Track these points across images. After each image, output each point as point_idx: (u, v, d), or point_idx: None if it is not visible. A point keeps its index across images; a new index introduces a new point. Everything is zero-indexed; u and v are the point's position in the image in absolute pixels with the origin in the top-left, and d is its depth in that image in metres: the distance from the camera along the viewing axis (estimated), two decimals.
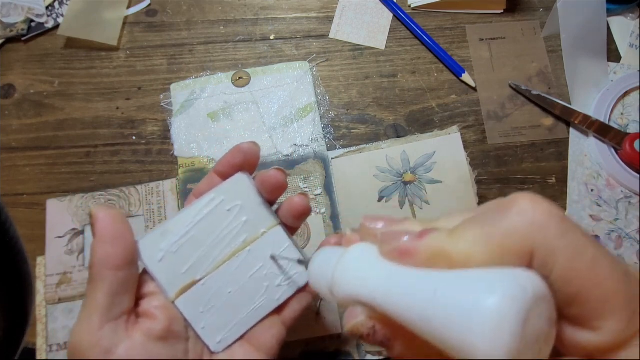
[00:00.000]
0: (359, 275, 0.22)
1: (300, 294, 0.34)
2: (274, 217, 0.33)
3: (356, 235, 0.25)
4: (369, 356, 0.45)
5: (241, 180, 0.32)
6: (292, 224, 0.34)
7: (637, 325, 0.18)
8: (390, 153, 0.48)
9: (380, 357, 0.45)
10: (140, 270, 0.30)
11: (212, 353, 0.31)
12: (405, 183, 0.48)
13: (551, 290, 0.18)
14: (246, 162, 0.33)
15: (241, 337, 0.32)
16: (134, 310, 0.29)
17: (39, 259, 0.47)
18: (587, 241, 0.19)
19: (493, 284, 0.17)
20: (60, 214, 0.48)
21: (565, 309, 0.19)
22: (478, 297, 0.17)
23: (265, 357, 0.32)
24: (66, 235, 0.47)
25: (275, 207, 0.34)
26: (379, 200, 0.47)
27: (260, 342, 0.33)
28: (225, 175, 0.32)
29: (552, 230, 0.18)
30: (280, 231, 0.33)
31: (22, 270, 0.46)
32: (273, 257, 0.32)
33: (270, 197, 0.33)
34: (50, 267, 0.46)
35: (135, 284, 0.29)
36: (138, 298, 0.30)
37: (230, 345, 0.31)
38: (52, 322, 0.45)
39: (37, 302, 0.46)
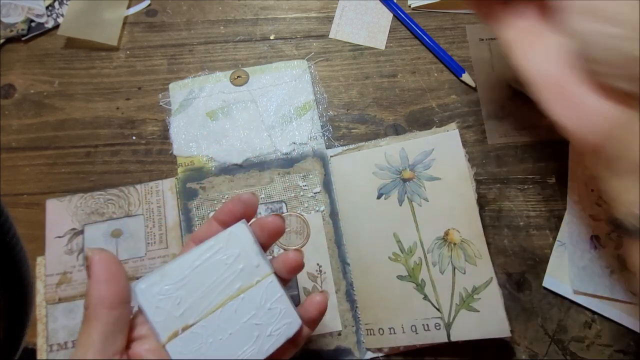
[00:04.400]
0: None
1: (287, 345, 0.34)
2: (268, 266, 0.34)
3: None
4: (369, 353, 0.45)
5: (240, 229, 0.33)
6: (285, 277, 0.35)
7: None
8: (389, 150, 0.49)
9: (380, 355, 0.45)
10: (134, 311, 0.32)
11: None
12: (404, 180, 0.48)
13: None
14: (246, 211, 0.35)
15: None
16: (126, 352, 0.30)
17: (39, 259, 0.47)
18: None
19: None
20: (60, 214, 0.48)
21: None
22: None
23: None
24: (66, 235, 0.47)
25: (269, 257, 0.35)
26: (378, 197, 0.47)
27: None
28: (224, 223, 0.34)
29: None
30: (273, 280, 0.34)
31: (23, 271, 0.46)
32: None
33: (267, 241, 0.35)
34: (50, 267, 0.47)
35: (127, 324, 0.30)
36: (129, 341, 0.30)
37: None
38: (52, 322, 0.45)
39: (37, 302, 0.46)
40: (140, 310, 0.31)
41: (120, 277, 0.30)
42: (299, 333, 0.34)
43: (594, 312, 0.46)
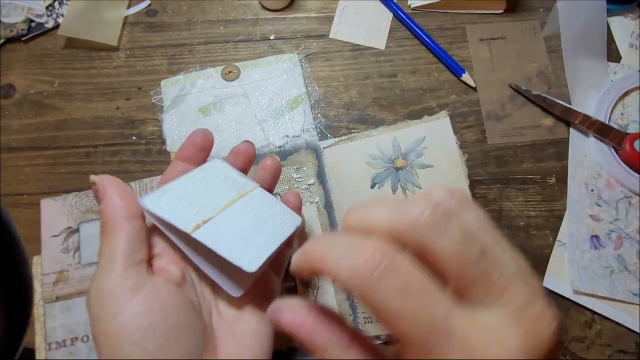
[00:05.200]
0: None
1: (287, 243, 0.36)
2: (254, 182, 0.37)
3: None
4: None
5: (217, 161, 0.36)
6: (268, 183, 0.39)
7: None
8: (381, 140, 0.49)
9: (379, 342, 0.45)
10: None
11: (220, 308, 0.33)
12: (397, 169, 0.48)
13: None
14: (205, 142, 0.36)
15: (269, 259, 0.32)
16: (149, 267, 0.30)
17: (35, 258, 0.47)
18: None
19: None
20: (55, 212, 0.48)
21: None
22: None
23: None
24: (61, 233, 0.47)
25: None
26: (372, 187, 0.48)
27: (265, 290, 0.35)
28: (188, 159, 0.36)
29: None
30: (263, 190, 0.36)
31: (22, 271, 0.46)
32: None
33: (243, 166, 0.38)
34: (47, 265, 0.46)
35: (146, 237, 0.30)
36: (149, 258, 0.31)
37: (262, 265, 0.31)
38: (51, 321, 0.45)
39: (34, 301, 0.46)
40: (152, 231, 0.32)
41: (132, 195, 0.30)
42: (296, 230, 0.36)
43: (594, 312, 0.46)
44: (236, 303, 0.33)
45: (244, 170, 0.38)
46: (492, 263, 0.20)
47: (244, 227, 0.32)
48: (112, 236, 0.28)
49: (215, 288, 0.33)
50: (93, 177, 0.30)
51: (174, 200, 0.31)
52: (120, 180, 0.31)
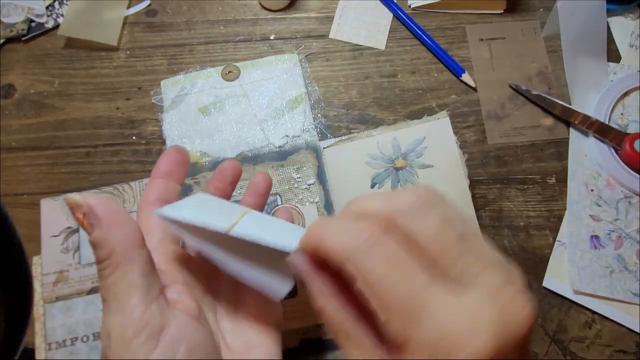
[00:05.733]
0: None
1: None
2: (244, 206, 0.35)
3: None
4: None
5: (200, 194, 0.34)
6: (261, 199, 0.38)
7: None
8: (381, 140, 0.49)
9: None
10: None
11: (228, 349, 0.31)
12: (397, 169, 0.48)
13: None
14: (183, 156, 0.34)
15: None
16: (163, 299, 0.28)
17: (35, 258, 0.47)
18: None
19: None
20: (55, 213, 0.48)
21: None
22: None
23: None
24: (61, 233, 0.47)
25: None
26: (372, 186, 0.48)
27: (268, 316, 0.34)
28: (169, 174, 0.33)
29: None
30: (256, 212, 0.34)
31: (22, 271, 0.46)
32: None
33: (230, 185, 0.37)
34: (47, 266, 0.46)
35: (155, 265, 0.27)
36: None
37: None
38: (50, 321, 0.45)
39: (34, 302, 0.46)
40: None
41: (131, 217, 0.26)
42: None
43: (594, 312, 0.46)
44: (243, 333, 0.32)
45: (231, 186, 0.37)
46: (468, 248, 0.21)
47: (270, 227, 0.31)
48: (123, 270, 0.25)
49: (219, 319, 0.32)
50: (73, 197, 0.25)
51: (191, 212, 0.29)
52: (110, 200, 0.27)
